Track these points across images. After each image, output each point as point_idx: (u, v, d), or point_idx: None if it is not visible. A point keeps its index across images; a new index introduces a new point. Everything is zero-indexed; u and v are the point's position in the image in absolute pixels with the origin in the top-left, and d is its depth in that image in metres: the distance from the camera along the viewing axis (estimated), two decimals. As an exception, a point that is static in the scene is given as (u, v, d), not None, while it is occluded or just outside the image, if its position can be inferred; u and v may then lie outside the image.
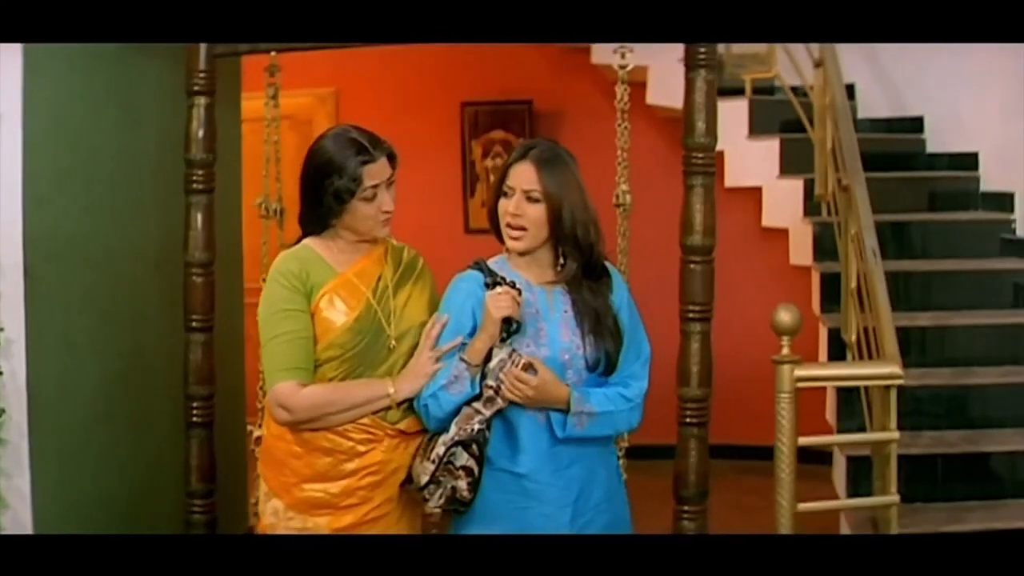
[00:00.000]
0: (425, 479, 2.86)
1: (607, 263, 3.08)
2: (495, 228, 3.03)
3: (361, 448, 2.94)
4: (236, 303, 4.90)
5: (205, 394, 3.90)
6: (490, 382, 2.84)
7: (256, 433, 4.16)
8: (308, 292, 2.95)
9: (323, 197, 2.94)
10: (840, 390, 4.65)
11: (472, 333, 2.90)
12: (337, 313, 2.96)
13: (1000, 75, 5.72)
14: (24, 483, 3.73)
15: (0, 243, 3.70)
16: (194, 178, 3.85)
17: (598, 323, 2.97)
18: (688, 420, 3.60)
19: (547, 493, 2.93)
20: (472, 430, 2.82)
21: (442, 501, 2.88)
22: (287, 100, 4.35)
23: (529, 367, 2.82)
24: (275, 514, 3.00)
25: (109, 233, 4.15)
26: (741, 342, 5.32)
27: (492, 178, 7.12)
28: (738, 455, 6.29)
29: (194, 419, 3.89)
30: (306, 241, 3.08)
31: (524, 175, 2.90)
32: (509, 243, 2.94)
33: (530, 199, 2.89)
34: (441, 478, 2.85)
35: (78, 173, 4.00)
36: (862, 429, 4.33)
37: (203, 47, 3.76)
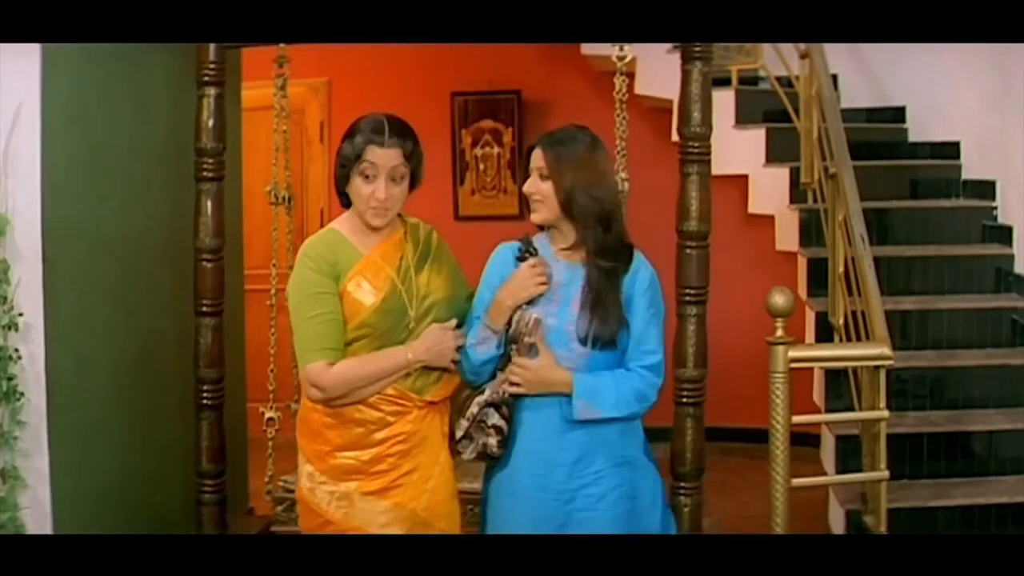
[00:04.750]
0: (459, 434, 3.12)
1: (638, 252, 3.20)
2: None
3: (391, 419, 3.10)
4: (237, 289, 4.98)
5: (215, 377, 4.01)
6: (512, 346, 3.09)
7: (268, 414, 4.30)
8: (337, 275, 3.08)
9: (338, 159, 3.13)
10: (828, 372, 4.77)
11: None
12: (365, 294, 3.09)
13: (980, 66, 5.79)
14: (43, 463, 3.82)
15: (19, 230, 3.78)
16: (204, 166, 3.95)
17: (597, 300, 3.09)
18: (685, 400, 3.74)
19: (546, 454, 3.11)
20: (503, 392, 3.09)
21: (474, 455, 3.14)
22: (278, 90, 4.41)
23: (538, 324, 3.04)
24: (310, 477, 3.16)
25: (120, 221, 4.22)
26: (728, 327, 5.36)
27: (482, 166, 7.36)
28: (722, 437, 6.35)
29: (204, 401, 4.00)
30: (333, 224, 3.22)
31: (536, 157, 3.15)
32: (531, 215, 3.19)
33: (542, 177, 3.13)
34: (474, 434, 3.12)
35: (93, 163, 4.07)
36: (849, 409, 4.46)
37: (212, 39, 3.86)
